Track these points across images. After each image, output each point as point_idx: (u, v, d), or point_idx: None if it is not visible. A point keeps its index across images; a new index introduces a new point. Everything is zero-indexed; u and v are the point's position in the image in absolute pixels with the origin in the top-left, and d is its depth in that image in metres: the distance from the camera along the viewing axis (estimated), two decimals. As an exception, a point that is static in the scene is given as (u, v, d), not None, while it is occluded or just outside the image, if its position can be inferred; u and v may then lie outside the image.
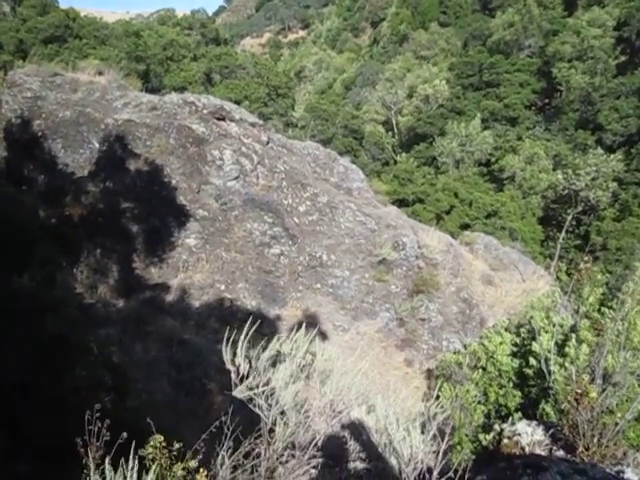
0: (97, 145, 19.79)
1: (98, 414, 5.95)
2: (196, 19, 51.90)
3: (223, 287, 19.65)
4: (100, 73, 23.65)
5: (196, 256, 19.56)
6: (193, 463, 2.77)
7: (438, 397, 10.74)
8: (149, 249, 18.89)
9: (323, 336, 20.27)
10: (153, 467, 2.55)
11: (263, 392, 4.76)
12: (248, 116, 23.41)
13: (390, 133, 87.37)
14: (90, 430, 2.34)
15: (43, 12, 33.98)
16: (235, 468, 3.40)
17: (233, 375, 3.87)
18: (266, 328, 19.81)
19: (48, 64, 24.81)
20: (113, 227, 18.70)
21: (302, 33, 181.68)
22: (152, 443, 2.68)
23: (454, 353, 17.35)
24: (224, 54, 42.83)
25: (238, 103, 34.26)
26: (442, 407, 6.48)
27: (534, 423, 5.89)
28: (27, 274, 9.32)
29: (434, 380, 18.43)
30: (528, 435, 5.49)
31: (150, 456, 2.64)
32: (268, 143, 22.69)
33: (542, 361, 9.92)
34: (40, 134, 19.65)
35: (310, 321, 20.67)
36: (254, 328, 6.44)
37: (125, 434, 2.69)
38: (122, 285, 18.74)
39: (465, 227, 51.66)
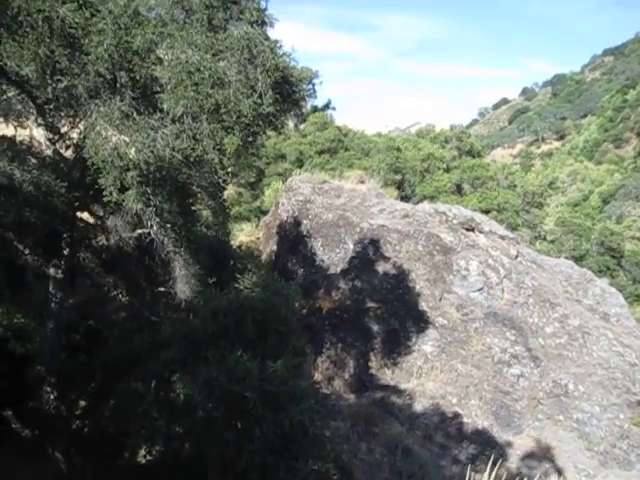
0: (352, 246, 21.41)
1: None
2: (453, 133, 54.61)
3: (455, 400, 18.85)
4: (362, 182, 26.06)
5: (431, 364, 19.28)
6: None
7: None
8: (386, 350, 19.28)
9: (561, 476, 17.86)
10: None
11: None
12: (498, 228, 23.09)
13: (658, 254, 77.16)
14: None
15: (322, 128, 39.56)
16: None
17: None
18: (494, 452, 18.24)
19: (319, 173, 28.28)
20: (356, 324, 19.65)
21: (556, 144, 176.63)
22: None
23: None
24: (477, 165, 43.83)
25: (487, 212, 34.22)
26: None
27: None
28: (281, 361, 10.21)
29: None
30: None
31: None
32: (517, 257, 21.90)
33: None
34: (305, 233, 22.12)
35: (546, 455, 18.47)
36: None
37: None
38: (356, 381, 19.32)
39: None
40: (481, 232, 21.97)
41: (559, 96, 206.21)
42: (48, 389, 13.60)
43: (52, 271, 12.98)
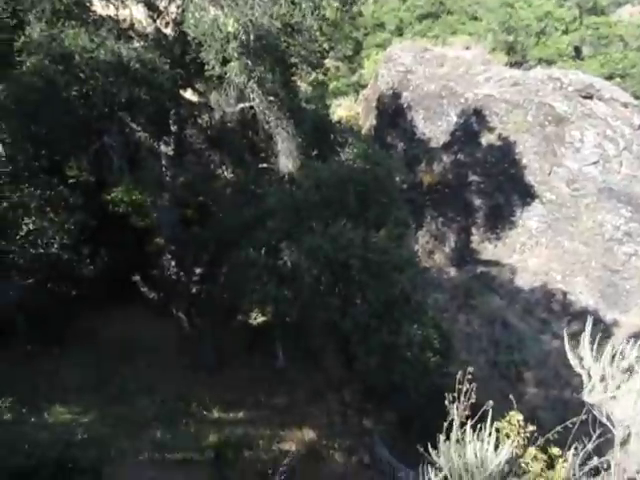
0: (455, 118, 20.46)
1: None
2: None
3: (559, 277, 18.48)
4: (467, 48, 24.20)
5: (535, 240, 18.78)
6: (556, 451, 2.72)
7: None
8: (488, 225, 18.93)
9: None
10: (508, 442, 2.60)
11: (610, 400, 4.32)
12: (620, 95, 20.89)
13: None
14: (459, 390, 2.51)
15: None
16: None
17: (584, 377, 3.59)
18: (599, 330, 18.00)
19: (420, 40, 26.52)
20: (457, 198, 19.31)
21: None
22: (508, 419, 2.74)
23: None
24: (601, 23, 38.81)
25: (609, 78, 30.85)
26: None
27: None
28: (384, 231, 10.37)
29: None
30: None
31: (504, 431, 2.71)
32: (640, 127, 19.94)
33: None
34: (406, 105, 21.32)
35: (656, 335, 17.96)
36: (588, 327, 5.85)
37: (471, 401, 2.76)
38: (456, 255, 19.37)
39: None
40: (600, 100, 20.03)
41: None
42: (168, 257, 14.85)
43: (163, 148, 13.61)
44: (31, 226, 13.63)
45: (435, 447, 2.70)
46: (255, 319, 14.75)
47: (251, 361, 14.62)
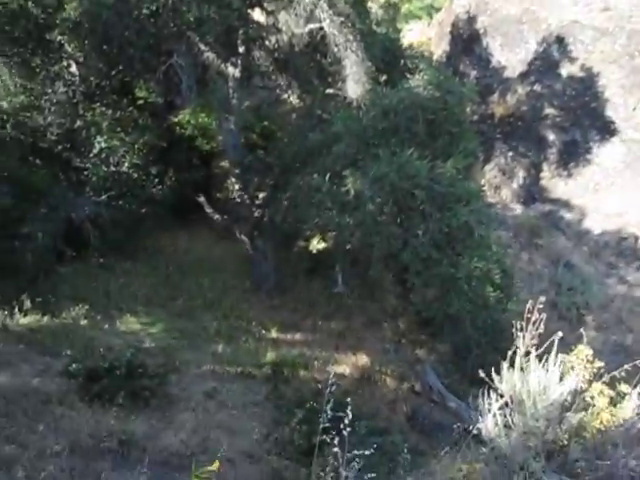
0: (534, 46, 19.14)
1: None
2: None
3: (633, 220, 17.57)
4: (555, -33, 22.22)
5: (611, 180, 17.80)
6: (625, 387, 2.67)
7: None
8: (561, 162, 18.04)
9: None
10: (573, 374, 2.58)
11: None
12: None
13: None
14: (527, 318, 2.48)
15: None
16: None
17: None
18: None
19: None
20: (530, 132, 18.38)
21: None
22: (576, 352, 2.70)
23: None
24: None
25: None
26: None
27: None
28: (451, 162, 10.08)
29: None
30: None
31: (570, 364, 2.67)
32: None
33: None
34: (482, 31, 20.09)
35: None
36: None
37: (539, 331, 2.71)
38: (524, 192, 18.68)
39: None
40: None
41: None
42: (232, 180, 15.11)
43: (230, 70, 13.52)
44: (103, 144, 14.15)
45: (490, 377, 2.70)
46: (316, 245, 14.96)
47: (310, 286, 14.98)
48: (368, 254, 11.31)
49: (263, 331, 13.36)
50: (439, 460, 3.67)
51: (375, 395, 12.01)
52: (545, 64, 18.67)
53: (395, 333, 13.87)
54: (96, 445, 6.71)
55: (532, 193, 18.57)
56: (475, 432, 2.80)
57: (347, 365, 12.68)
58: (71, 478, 5.81)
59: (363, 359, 13.00)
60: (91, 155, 14.01)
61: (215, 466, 1.80)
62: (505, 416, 2.52)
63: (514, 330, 2.60)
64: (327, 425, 2.93)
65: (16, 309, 9.66)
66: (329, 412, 2.95)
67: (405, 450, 4.35)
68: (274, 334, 13.32)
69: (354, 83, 11.26)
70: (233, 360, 11.22)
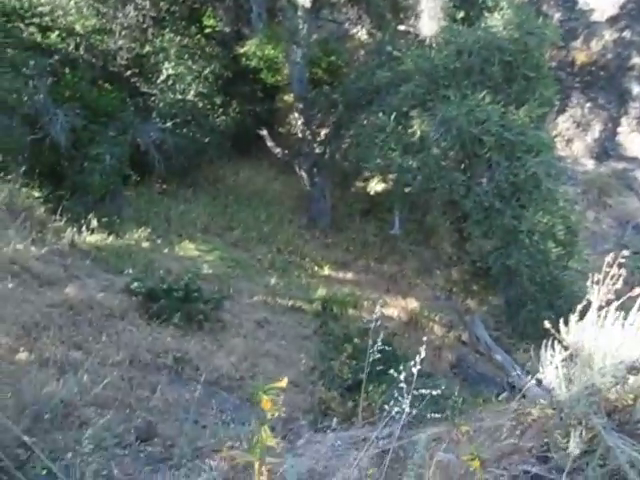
0: (629, -13, 17.64)
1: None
2: None
3: None
4: None
5: (697, 139, 16.63)
6: None
7: None
8: (642, 117, 16.92)
9: None
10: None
11: None
12: None
13: None
14: (605, 272, 2.38)
15: None
16: None
17: None
18: None
19: None
20: (612, 83, 17.21)
21: None
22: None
23: None
24: None
25: None
26: None
27: None
28: (525, 109, 9.58)
29: None
30: None
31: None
32: None
33: None
34: (572, -32, 18.60)
35: None
36: None
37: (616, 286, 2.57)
38: (598, 147, 17.71)
39: None
40: None
41: None
42: (296, 115, 14.94)
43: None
44: (170, 71, 14.18)
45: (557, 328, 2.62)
46: (374, 186, 14.80)
47: (365, 227, 14.93)
48: (428, 199, 11.11)
49: (316, 268, 13.51)
50: (489, 407, 3.66)
51: (421, 340, 12.06)
52: (639, 8, 17.23)
53: (447, 281, 13.74)
54: (153, 360, 7.08)
55: (606, 149, 17.59)
56: (532, 383, 2.76)
57: (396, 308, 12.73)
58: (130, 387, 6.18)
59: (412, 304, 13.02)
60: (158, 81, 14.09)
61: (284, 382, 1.83)
62: (567, 369, 2.46)
63: (589, 282, 2.48)
64: (375, 359, 2.97)
65: (84, 227, 10.07)
66: (376, 351, 2.98)
67: (456, 394, 4.38)
68: (326, 271, 13.46)
69: (429, 19, 10.73)
70: (285, 293, 11.44)
